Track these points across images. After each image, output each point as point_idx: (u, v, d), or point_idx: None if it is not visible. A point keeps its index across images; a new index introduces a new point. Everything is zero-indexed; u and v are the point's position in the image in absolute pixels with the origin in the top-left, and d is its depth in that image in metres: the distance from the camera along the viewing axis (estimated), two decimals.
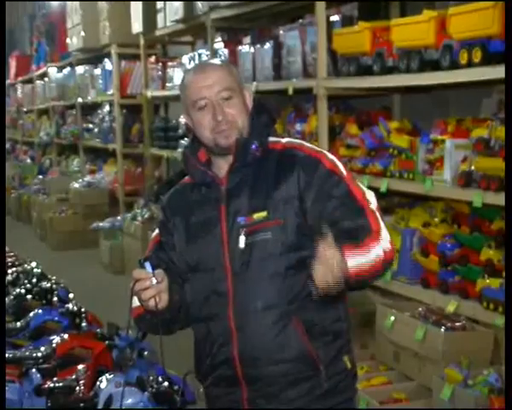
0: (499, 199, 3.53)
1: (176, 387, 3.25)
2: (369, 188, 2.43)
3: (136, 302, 2.28)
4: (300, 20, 5.46)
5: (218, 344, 2.30)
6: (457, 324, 3.94)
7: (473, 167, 3.69)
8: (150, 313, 2.27)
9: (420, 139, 4.15)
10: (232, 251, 2.27)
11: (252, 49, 6.03)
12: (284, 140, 2.40)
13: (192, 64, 7.47)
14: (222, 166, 2.36)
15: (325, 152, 2.36)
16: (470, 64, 3.59)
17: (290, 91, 5.31)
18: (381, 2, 5.22)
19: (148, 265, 2.19)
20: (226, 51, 6.56)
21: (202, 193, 2.38)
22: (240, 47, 6.30)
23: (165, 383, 3.23)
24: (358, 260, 2.14)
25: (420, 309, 4.14)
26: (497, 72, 3.49)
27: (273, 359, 2.26)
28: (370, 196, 2.31)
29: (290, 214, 2.26)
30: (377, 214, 2.27)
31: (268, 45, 5.74)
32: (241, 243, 2.26)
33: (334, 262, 2.05)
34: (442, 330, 3.88)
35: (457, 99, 4.93)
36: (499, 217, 3.93)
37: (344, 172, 2.32)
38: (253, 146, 2.32)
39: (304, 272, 2.20)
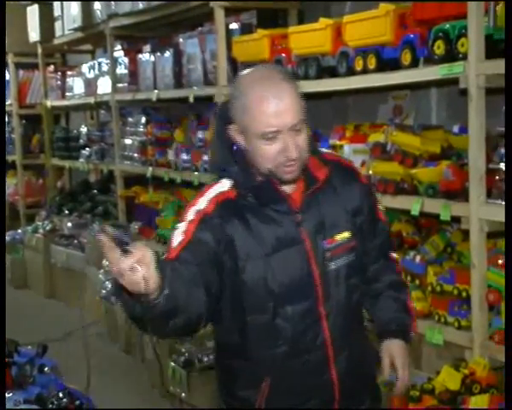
0: (396, 202, 3.61)
1: (77, 402, 3.19)
2: None
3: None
4: (200, 28, 5.47)
5: (313, 367, 2.13)
6: None
7: (370, 172, 3.76)
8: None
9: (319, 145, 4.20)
10: (321, 274, 2.12)
11: (152, 58, 6.00)
12: (326, 152, 2.30)
13: (92, 74, 7.35)
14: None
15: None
16: (366, 71, 3.67)
17: (191, 99, 5.30)
18: (280, 11, 5.28)
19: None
20: (126, 60, 6.50)
21: (268, 212, 2.10)
22: (140, 55, 6.26)
23: (66, 399, 3.16)
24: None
25: None
26: (391, 78, 3.58)
27: (358, 375, 2.23)
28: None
29: (360, 236, 2.22)
30: None
31: (168, 53, 5.72)
32: (331, 266, 2.13)
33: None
34: None
35: (356, 105, 5.03)
36: (397, 220, 4.02)
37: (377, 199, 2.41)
38: (318, 173, 2.15)
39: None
